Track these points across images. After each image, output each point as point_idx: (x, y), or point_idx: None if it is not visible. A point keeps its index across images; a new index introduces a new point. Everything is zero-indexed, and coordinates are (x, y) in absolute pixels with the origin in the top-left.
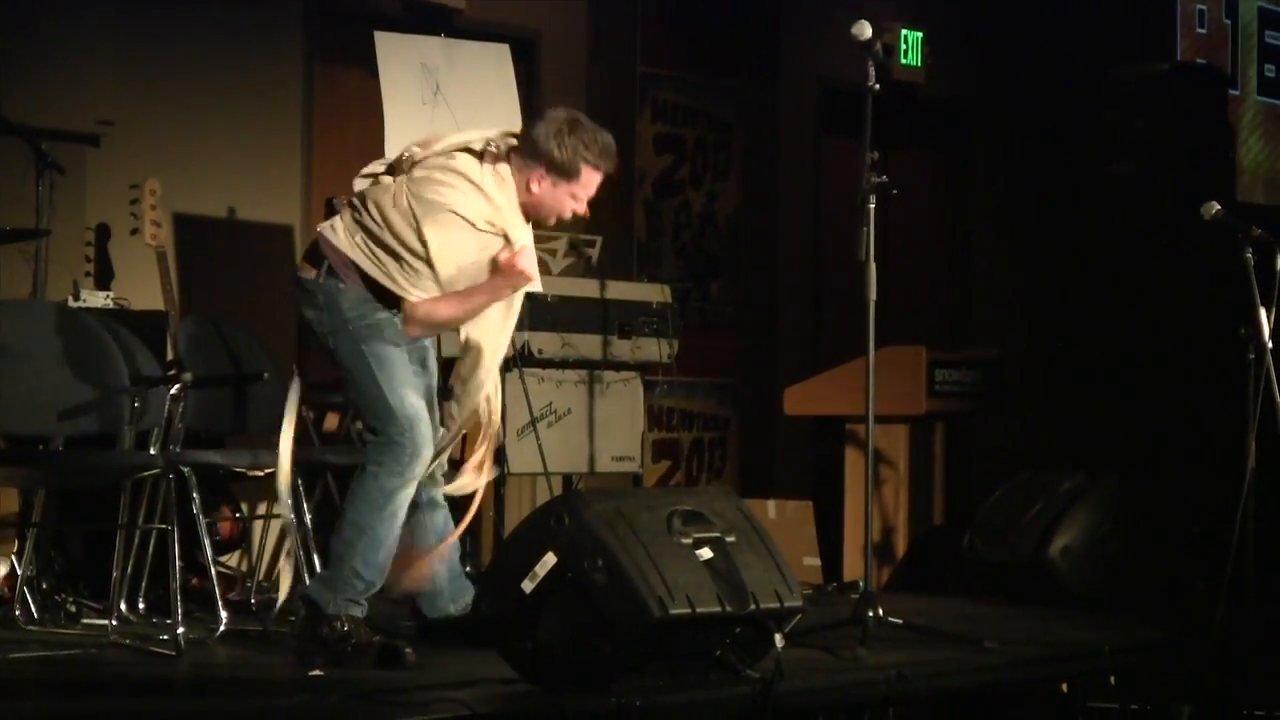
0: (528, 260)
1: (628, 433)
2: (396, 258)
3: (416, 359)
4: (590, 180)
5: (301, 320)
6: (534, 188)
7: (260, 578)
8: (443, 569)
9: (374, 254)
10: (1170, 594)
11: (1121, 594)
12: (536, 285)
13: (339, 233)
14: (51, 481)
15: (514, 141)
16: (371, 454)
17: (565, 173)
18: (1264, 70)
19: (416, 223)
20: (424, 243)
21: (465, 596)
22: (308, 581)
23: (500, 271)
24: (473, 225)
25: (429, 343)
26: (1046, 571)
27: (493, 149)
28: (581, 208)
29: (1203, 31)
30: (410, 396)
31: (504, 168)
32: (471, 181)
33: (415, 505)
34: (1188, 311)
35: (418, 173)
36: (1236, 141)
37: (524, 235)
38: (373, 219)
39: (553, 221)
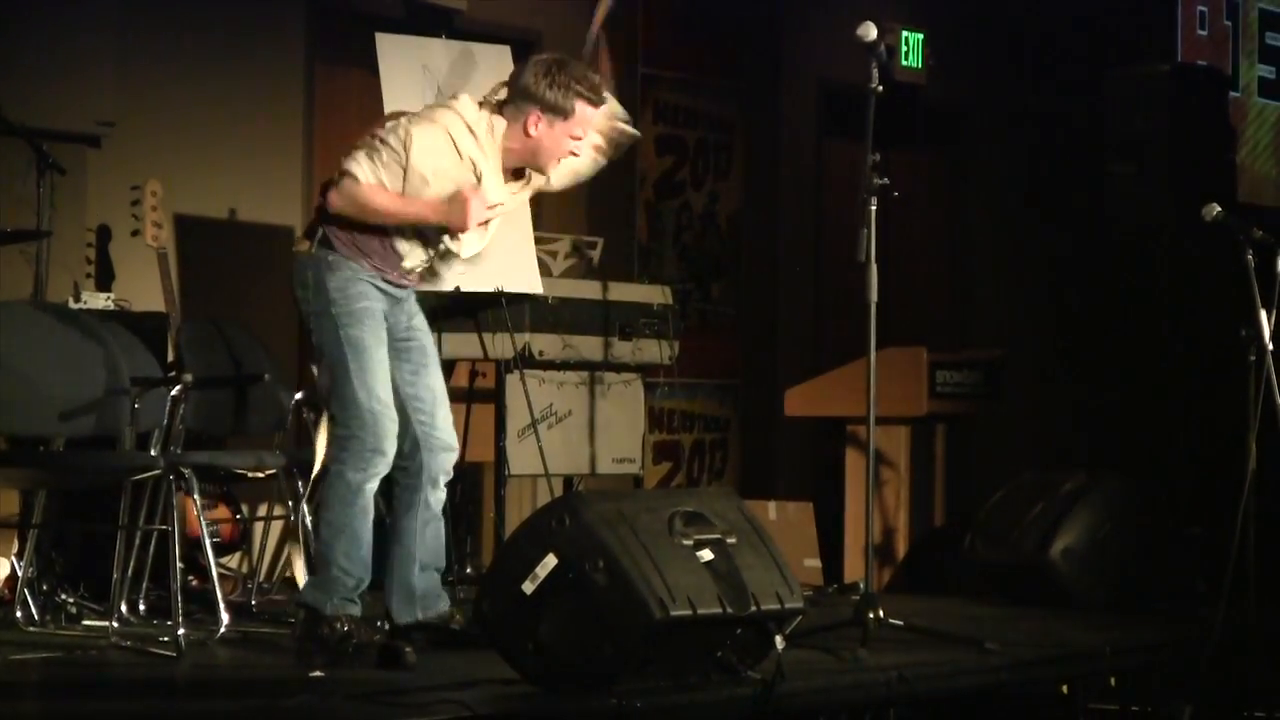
0: (478, 208)
1: (629, 434)
2: (374, 151)
3: (415, 357)
4: (585, 117)
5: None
6: (533, 130)
7: (261, 579)
8: (423, 578)
9: (354, 151)
10: (1171, 595)
11: (1122, 595)
12: (472, 247)
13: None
14: (52, 482)
15: (504, 93)
16: (335, 450)
17: (560, 110)
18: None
19: (407, 127)
20: (407, 143)
21: (439, 606)
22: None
23: (452, 200)
24: (456, 148)
25: (428, 341)
26: (1047, 573)
27: (490, 99)
28: (580, 149)
29: (1203, 33)
30: (379, 390)
31: (498, 119)
32: (464, 118)
33: (412, 507)
34: (1188, 313)
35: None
36: (1238, 143)
37: (496, 189)
38: (367, 137)
39: (554, 164)
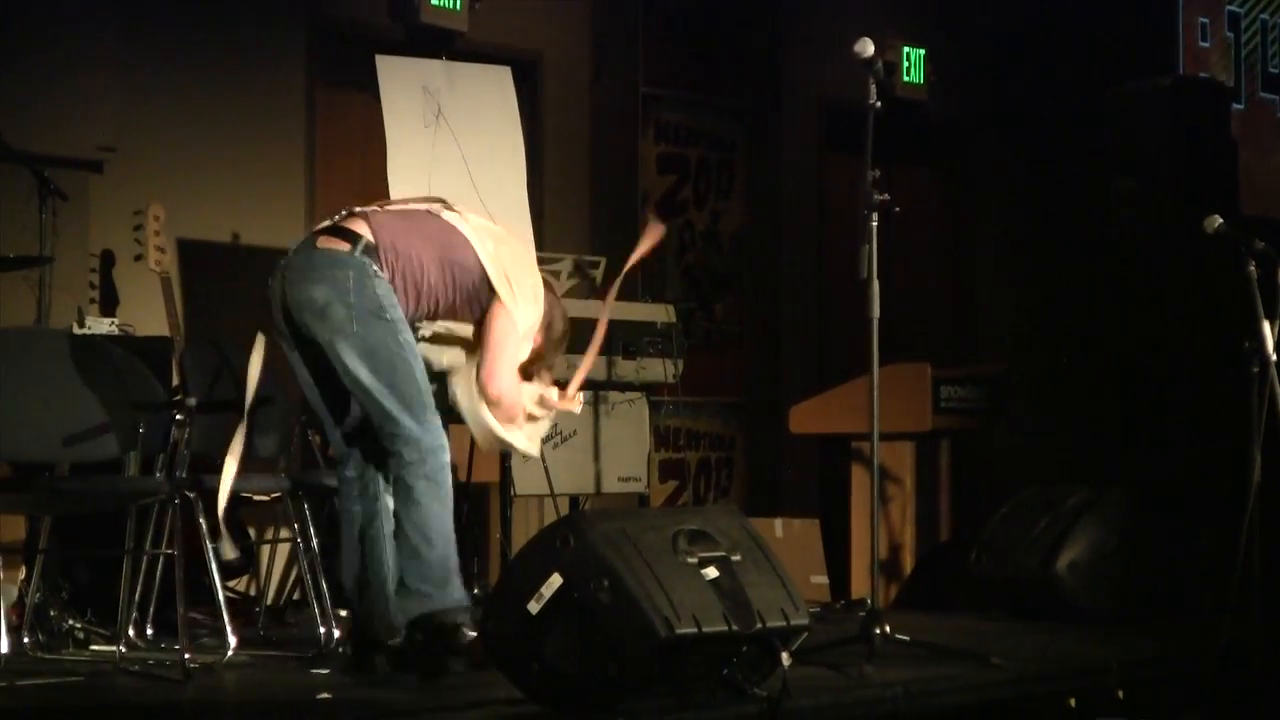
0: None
1: (634, 453)
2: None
3: None
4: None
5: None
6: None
7: (268, 602)
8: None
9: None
10: (1177, 608)
11: (1128, 609)
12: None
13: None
14: (57, 508)
15: None
16: (415, 468)
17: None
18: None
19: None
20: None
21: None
22: (316, 609)
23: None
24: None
25: None
26: (1053, 587)
27: None
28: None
29: (1205, 45)
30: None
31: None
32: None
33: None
34: (1192, 325)
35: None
36: (1240, 155)
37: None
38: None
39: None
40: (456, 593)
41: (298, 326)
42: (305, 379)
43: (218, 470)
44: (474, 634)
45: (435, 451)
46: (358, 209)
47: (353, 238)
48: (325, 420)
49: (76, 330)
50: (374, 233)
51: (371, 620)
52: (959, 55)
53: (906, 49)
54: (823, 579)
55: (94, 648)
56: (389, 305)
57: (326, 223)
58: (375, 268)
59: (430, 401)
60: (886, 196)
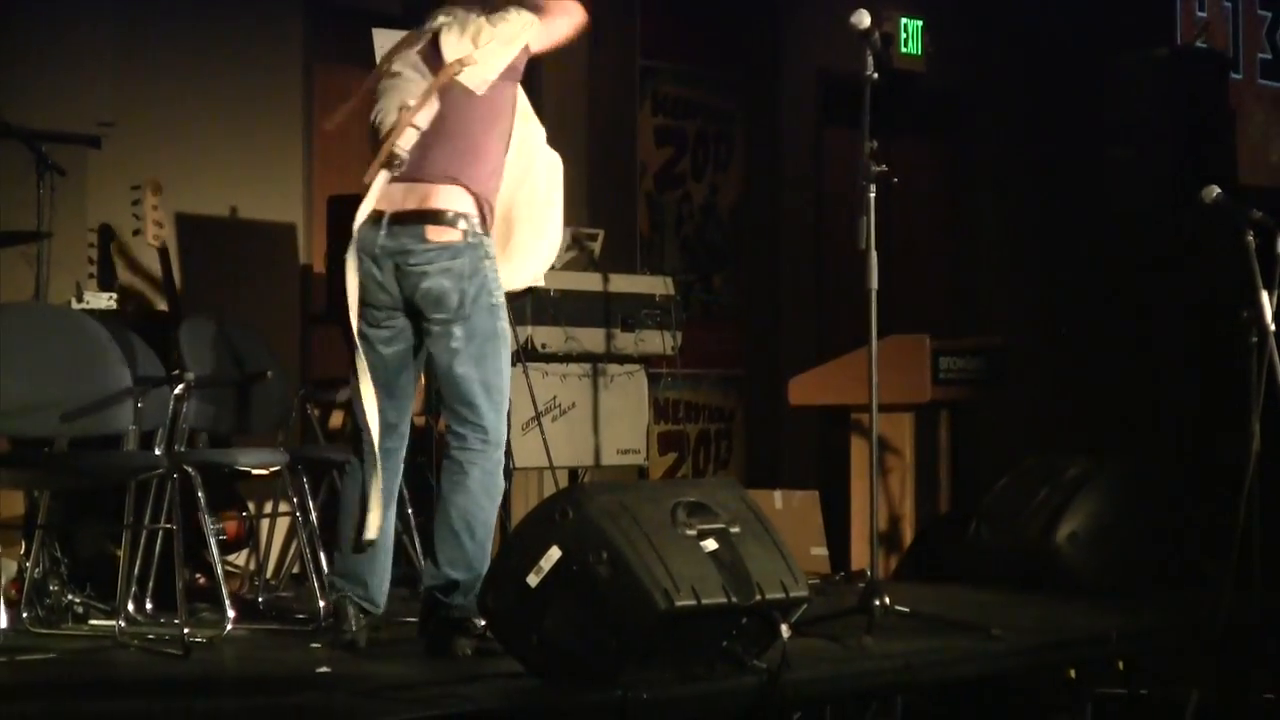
0: None
1: (633, 426)
2: None
3: None
4: None
5: (306, 318)
6: None
7: (268, 576)
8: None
9: None
10: (1176, 579)
11: (1128, 580)
12: None
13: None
14: (56, 483)
15: None
16: (475, 455)
17: None
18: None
19: None
20: None
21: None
22: (315, 583)
23: None
24: None
25: None
26: (1053, 558)
27: None
28: None
29: (1203, 15)
30: None
31: None
32: None
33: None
34: (1189, 295)
35: None
36: (1238, 125)
37: None
38: None
39: None
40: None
41: (401, 311)
42: (389, 356)
43: (217, 445)
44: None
45: (499, 446)
46: (451, 175)
47: (460, 220)
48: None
49: (75, 305)
50: (476, 201)
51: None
52: (956, 25)
53: (904, 20)
54: (822, 551)
55: (93, 622)
56: (495, 289)
57: (429, 202)
58: (485, 245)
59: (507, 395)
60: (885, 168)
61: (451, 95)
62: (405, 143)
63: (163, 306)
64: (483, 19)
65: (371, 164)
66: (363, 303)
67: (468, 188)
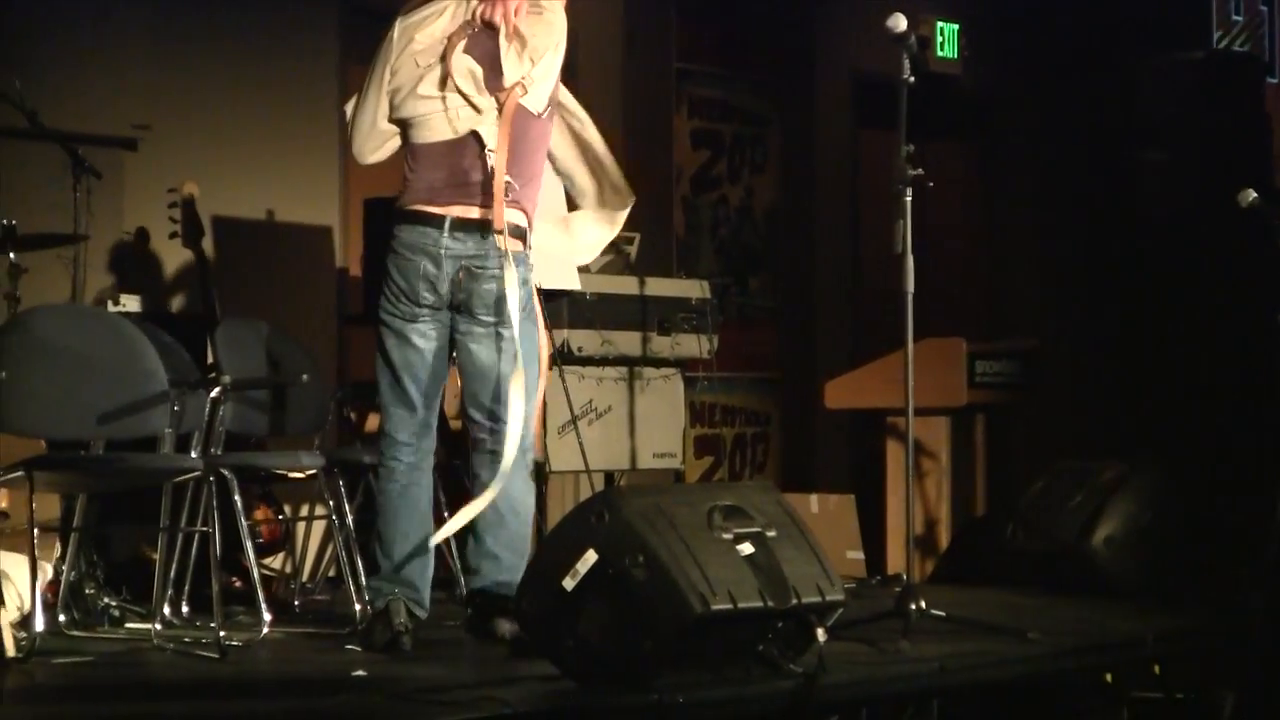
0: None
1: (669, 429)
2: None
3: None
4: None
5: (343, 320)
6: None
7: (304, 579)
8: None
9: None
10: (1212, 582)
11: (1164, 583)
12: None
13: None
14: (92, 486)
15: None
16: (496, 442)
17: None
18: None
19: None
20: None
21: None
22: (352, 585)
23: None
24: None
25: None
26: (1089, 561)
27: None
28: None
29: (1239, 18)
30: None
31: None
32: None
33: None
34: (1224, 299)
35: None
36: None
37: None
38: None
39: None
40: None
41: (444, 310)
42: (427, 355)
43: (253, 448)
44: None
45: (531, 438)
46: (512, 187)
47: (520, 233)
48: (407, 396)
49: (111, 308)
50: (528, 218)
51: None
52: (992, 29)
53: (940, 24)
54: (858, 554)
55: (129, 625)
56: (533, 303)
57: (491, 215)
58: (530, 260)
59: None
60: (920, 171)
61: (515, 117)
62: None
63: (199, 309)
64: (528, 21)
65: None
66: (405, 299)
67: (526, 210)
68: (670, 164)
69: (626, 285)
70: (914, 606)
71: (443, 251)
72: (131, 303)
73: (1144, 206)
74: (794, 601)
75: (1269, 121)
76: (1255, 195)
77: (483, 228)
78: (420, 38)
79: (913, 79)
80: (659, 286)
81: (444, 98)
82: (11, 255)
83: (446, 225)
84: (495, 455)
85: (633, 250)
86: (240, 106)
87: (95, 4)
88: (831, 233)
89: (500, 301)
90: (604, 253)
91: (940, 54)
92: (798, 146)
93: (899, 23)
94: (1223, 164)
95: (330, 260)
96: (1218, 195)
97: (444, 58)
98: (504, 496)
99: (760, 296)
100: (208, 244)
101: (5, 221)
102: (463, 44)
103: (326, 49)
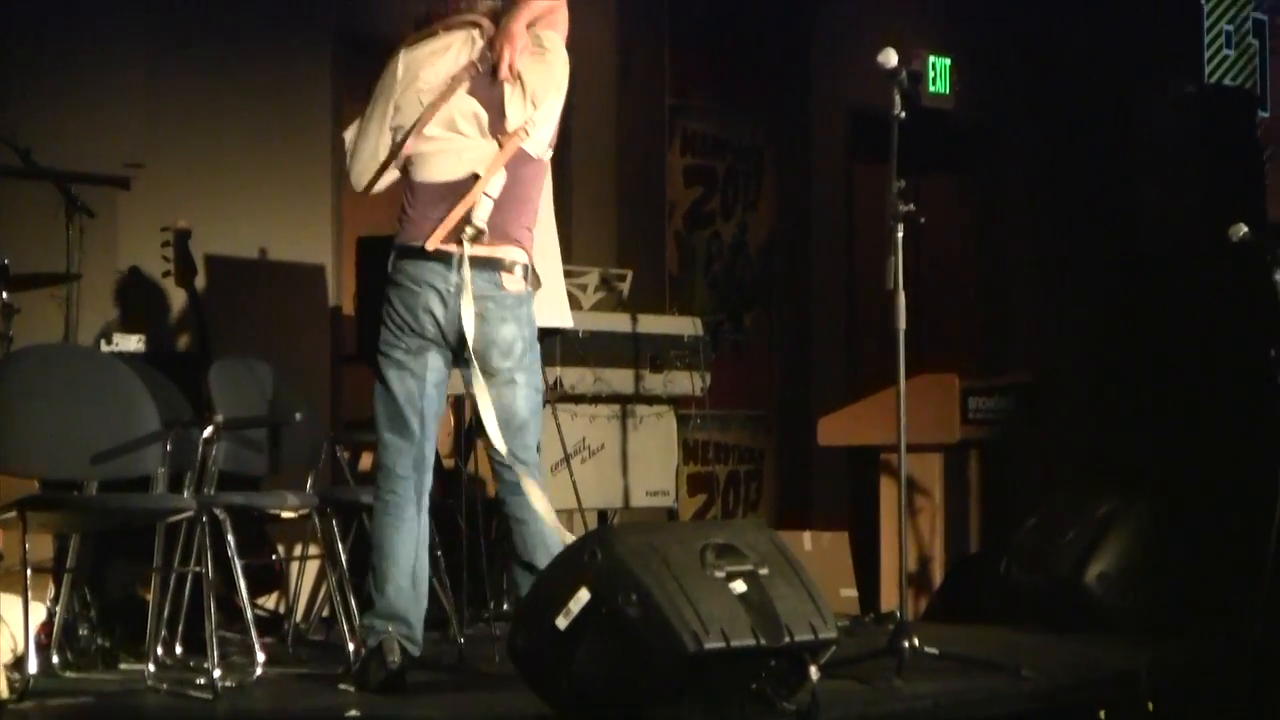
0: None
1: (662, 467)
2: None
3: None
4: None
5: (336, 359)
6: None
7: (297, 619)
8: None
9: None
10: (1206, 617)
11: (1158, 618)
12: None
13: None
14: (85, 526)
15: None
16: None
17: None
18: None
19: None
20: None
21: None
22: (345, 626)
23: None
24: None
25: None
26: (1083, 597)
27: None
28: None
29: (1230, 53)
30: None
31: None
32: None
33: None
34: (1218, 333)
35: None
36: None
37: None
38: None
39: None
40: None
41: (442, 347)
42: (428, 386)
43: (246, 487)
44: None
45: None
46: (514, 238)
47: (530, 274)
48: (408, 428)
49: (104, 347)
50: (529, 256)
51: None
52: (985, 63)
53: (932, 58)
54: (852, 592)
55: (123, 666)
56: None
57: (495, 254)
58: (532, 299)
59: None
60: (912, 207)
61: (514, 159)
62: (482, 214)
63: (192, 348)
64: (529, 63)
65: (439, 228)
66: (409, 331)
67: (526, 249)
68: (663, 199)
69: (619, 322)
70: (908, 644)
71: (449, 287)
72: (125, 341)
73: (1138, 239)
74: (787, 639)
75: (1261, 153)
76: (1246, 229)
77: (493, 266)
78: (426, 75)
79: (904, 114)
80: (652, 323)
81: (448, 139)
82: (4, 294)
83: (455, 261)
84: (519, 488)
85: (625, 287)
86: (233, 145)
87: (88, 43)
88: (826, 268)
89: (512, 345)
90: (596, 289)
91: (933, 89)
92: (792, 180)
93: (890, 58)
94: (1218, 197)
95: (323, 298)
96: (1213, 229)
97: (448, 98)
98: (548, 526)
99: (754, 332)
100: (200, 282)
101: None
102: (466, 85)
103: (320, 86)
